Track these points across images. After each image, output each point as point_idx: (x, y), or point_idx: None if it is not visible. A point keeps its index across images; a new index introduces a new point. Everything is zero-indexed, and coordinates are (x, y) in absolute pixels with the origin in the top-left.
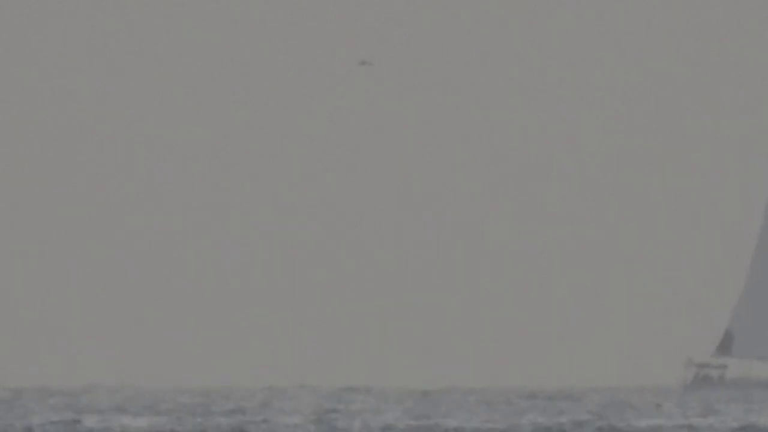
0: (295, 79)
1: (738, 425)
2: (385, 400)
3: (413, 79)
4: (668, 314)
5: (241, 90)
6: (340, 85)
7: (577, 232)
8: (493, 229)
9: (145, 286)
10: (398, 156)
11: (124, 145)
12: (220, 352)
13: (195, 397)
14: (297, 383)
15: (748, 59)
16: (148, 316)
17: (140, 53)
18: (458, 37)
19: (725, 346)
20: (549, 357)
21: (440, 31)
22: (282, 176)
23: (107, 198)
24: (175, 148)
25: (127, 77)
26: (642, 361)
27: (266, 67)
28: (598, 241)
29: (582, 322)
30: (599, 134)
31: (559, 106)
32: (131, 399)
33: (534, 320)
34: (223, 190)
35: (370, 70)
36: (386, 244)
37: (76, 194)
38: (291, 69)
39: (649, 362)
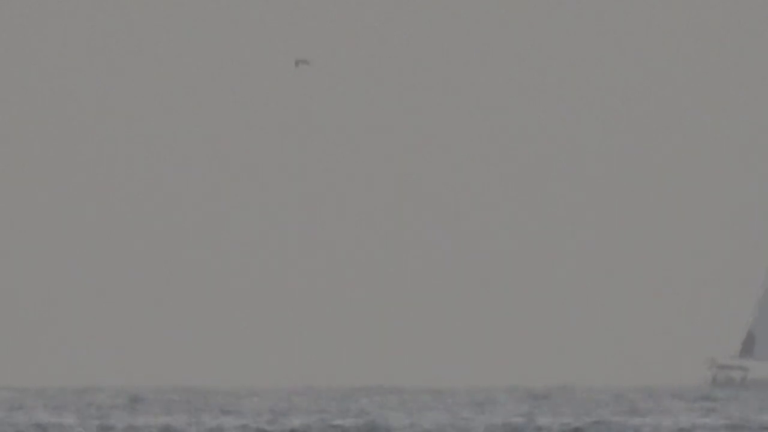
0: (295, 79)
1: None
2: (389, 400)
3: (413, 79)
4: (690, 316)
5: (241, 90)
6: (340, 84)
7: (593, 231)
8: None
9: (149, 286)
10: (399, 156)
11: (124, 145)
12: (226, 353)
13: (199, 398)
14: (303, 384)
15: (748, 59)
16: (152, 316)
17: (140, 53)
18: (458, 37)
19: (747, 347)
20: (559, 358)
21: (440, 30)
22: (284, 177)
23: (108, 198)
24: (177, 148)
25: (127, 77)
26: (662, 362)
27: (266, 66)
28: (615, 241)
29: (600, 322)
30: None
31: (559, 106)
32: (135, 399)
33: (548, 320)
34: (226, 191)
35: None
36: (389, 245)
37: (77, 194)
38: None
39: (670, 363)
